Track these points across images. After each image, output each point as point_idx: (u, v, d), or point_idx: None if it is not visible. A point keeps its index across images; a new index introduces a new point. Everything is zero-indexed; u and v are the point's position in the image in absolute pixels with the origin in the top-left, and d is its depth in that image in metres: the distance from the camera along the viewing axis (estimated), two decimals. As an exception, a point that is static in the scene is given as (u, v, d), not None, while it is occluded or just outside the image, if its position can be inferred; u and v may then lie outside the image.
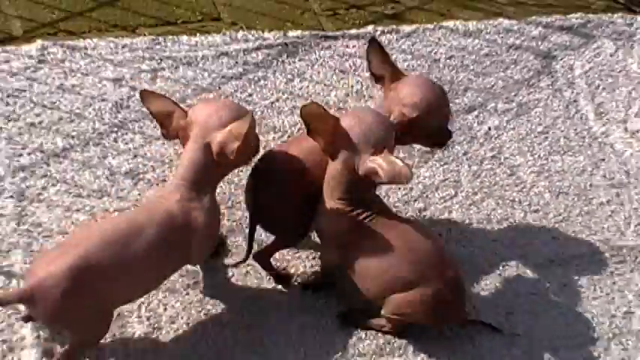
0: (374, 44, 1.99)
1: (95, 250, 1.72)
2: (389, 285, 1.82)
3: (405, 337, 1.88)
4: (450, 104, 2.02)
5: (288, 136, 2.28)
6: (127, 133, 2.25)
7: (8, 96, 2.26)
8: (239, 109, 1.88)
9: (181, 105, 1.88)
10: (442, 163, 2.28)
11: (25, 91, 2.28)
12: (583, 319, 1.97)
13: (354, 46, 2.56)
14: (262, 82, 2.43)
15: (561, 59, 2.61)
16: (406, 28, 2.62)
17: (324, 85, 2.46)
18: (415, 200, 2.17)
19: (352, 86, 2.44)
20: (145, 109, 1.89)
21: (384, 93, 2.01)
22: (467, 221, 2.16)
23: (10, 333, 1.79)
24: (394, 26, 2.63)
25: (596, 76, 2.58)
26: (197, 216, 1.83)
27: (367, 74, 2.06)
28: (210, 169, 1.85)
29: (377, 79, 2.00)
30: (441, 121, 2.00)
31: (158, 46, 2.47)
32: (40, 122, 2.25)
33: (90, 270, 1.70)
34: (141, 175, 2.14)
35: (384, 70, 1.97)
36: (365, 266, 1.83)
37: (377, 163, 1.73)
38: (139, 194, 2.10)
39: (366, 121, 1.78)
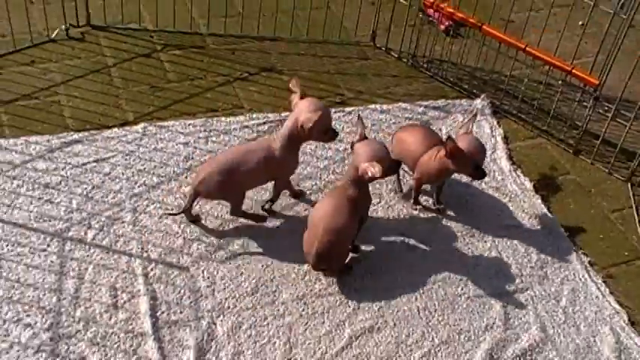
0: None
1: (230, 160, 2.45)
2: None
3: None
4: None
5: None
6: (190, 174, 2.72)
7: (125, 154, 2.80)
8: (320, 106, 2.43)
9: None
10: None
11: (134, 151, 2.81)
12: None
13: None
14: None
15: (434, 125, 3.12)
16: (348, 109, 3.14)
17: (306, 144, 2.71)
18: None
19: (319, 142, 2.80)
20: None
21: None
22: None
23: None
24: (341, 108, 3.15)
25: (454, 133, 2.87)
26: (282, 155, 2.47)
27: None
28: (294, 135, 2.44)
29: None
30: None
31: (208, 124, 2.97)
32: (144, 168, 2.75)
33: (228, 169, 2.43)
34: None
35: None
36: None
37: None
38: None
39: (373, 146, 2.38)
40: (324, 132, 2.43)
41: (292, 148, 2.48)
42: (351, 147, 2.44)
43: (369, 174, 2.29)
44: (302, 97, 2.43)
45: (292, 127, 2.42)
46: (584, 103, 3.06)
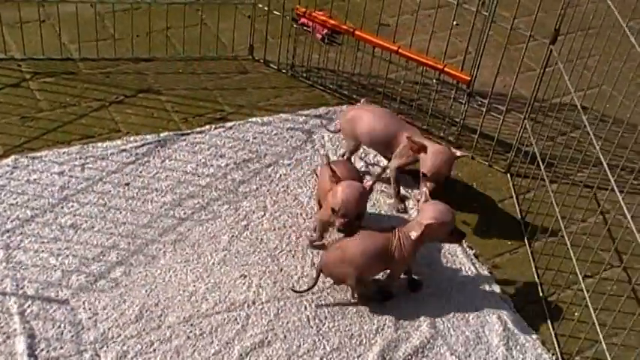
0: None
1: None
2: None
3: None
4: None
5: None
6: (70, 204, 2.68)
7: None
8: (444, 212, 2.41)
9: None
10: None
11: (4, 185, 2.72)
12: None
13: (200, 138, 3.04)
14: (147, 164, 2.87)
15: (316, 134, 3.13)
16: (228, 124, 3.12)
17: (184, 161, 2.91)
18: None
19: (200, 160, 2.91)
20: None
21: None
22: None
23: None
24: (222, 124, 3.12)
25: (337, 140, 3.11)
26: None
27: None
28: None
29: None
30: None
31: (84, 150, 2.90)
32: (16, 202, 2.66)
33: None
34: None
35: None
36: None
37: None
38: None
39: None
40: (450, 234, 2.43)
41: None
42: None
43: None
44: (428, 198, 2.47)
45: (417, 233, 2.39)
46: (460, 100, 3.13)
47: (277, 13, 3.40)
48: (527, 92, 3.09)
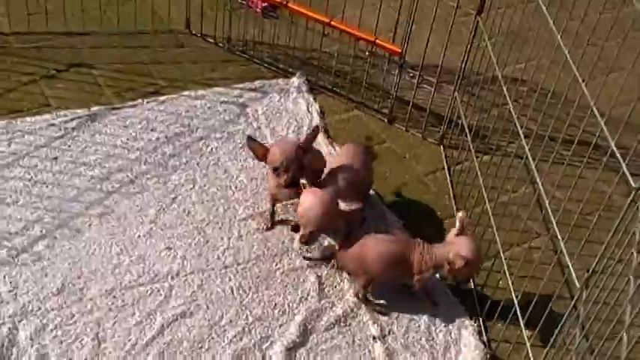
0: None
1: None
2: None
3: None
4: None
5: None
6: None
7: None
8: (473, 250, 2.33)
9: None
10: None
11: None
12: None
13: (132, 112, 3.03)
14: (76, 138, 2.86)
15: (250, 107, 3.13)
16: (161, 98, 3.10)
17: (114, 135, 2.91)
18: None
19: (130, 134, 2.91)
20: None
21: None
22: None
23: None
24: (154, 98, 3.11)
25: (270, 113, 3.16)
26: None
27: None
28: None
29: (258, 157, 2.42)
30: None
31: (11, 125, 2.88)
32: None
33: None
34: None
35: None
36: None
37: None
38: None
39: None
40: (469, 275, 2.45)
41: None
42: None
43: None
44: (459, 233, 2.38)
45: (441, 259, 2.36)
46: (393, 73, 3.14)
47: (211, -15, 3.37)
48: (456, 64, 3.11)
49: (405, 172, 3.04)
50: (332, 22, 3.12)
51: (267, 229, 2.64)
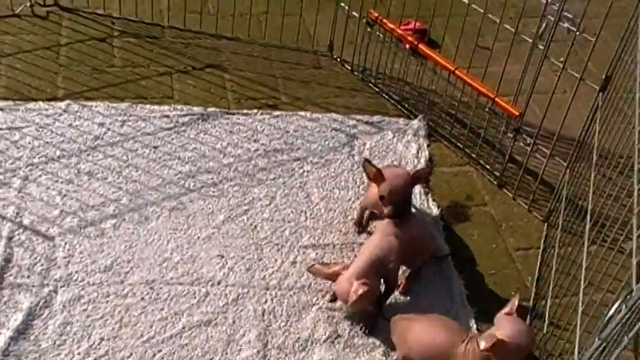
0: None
1: None
2: None
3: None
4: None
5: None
6: (96, 153, 2.90)
7: (39, 126, 2.91)
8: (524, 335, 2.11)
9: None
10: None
11: (49, 124, 2.95)
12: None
13: (243, 120, 3.09)
14: (182, 133, 2.98)
15: (359, 139, 3.07)
16: (276, 112, 3.13)
17: (218, 138, 2.99)
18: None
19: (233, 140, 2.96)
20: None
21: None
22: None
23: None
24: (269, 111, 3.14)
25: (377, 150, 3.07)
26: None
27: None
28: None
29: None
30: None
31: (131, 109, 3.06)
32: (52, 141, 2.88)
33: None
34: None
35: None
36: None
37: None
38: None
39: None
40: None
41: None
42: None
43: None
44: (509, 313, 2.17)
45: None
46: (509, 134, 2.96)
47: (355, 14, 3.38)
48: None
49: (494, 242, 2.83)
50: (456, 72, 3.00)
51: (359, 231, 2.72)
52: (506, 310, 2.20)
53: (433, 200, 2.94)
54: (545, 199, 3.00)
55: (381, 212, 2.44)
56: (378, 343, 2.42)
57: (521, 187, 3.01)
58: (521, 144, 2.97)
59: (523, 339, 2.06)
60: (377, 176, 2.39)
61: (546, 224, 2.95)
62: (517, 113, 2.85)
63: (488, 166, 3.12)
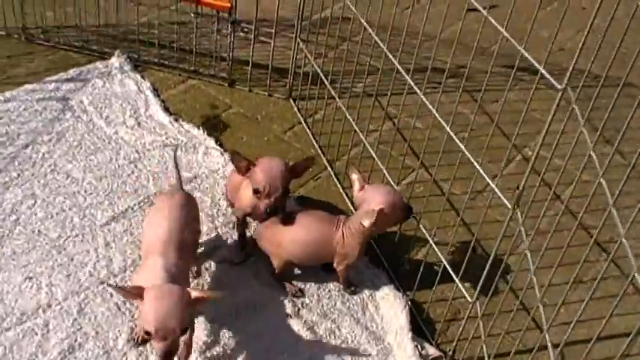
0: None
1: None
2: None
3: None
4: None
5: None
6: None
7: None
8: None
9: None
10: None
11: None
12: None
13: None
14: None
15: (73, 99, 2.77)
16: None
17: None
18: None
19: None
20: None
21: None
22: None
23: None
24: None
25: (98, 101, 2.80)
26: None
27: None
28: None
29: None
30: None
31: None
32: None
33: None
34: None
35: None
36: None
37: None
38: None
39: None
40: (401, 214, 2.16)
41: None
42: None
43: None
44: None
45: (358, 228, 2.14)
46: (225, 32, 2.87)
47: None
48: (289, 13, 2.91)
49: (263, 134, 2.81)
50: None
51: (238, 263, 2.29)
52: (357, 187, 2.21)
53: (187, 122, 2.77)
54: (277, 80, 3.03)
55: (257, 213, 2.15)
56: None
57: (252, 78, 2.99)
58: (241, 35, 2.92)
59: (394, 197, 2.10)
60: (248, 168, 2.10)
61: (291, 100, 3.00)
62: (229, 5, 2.78)
63: (212, 72, 3.02)
